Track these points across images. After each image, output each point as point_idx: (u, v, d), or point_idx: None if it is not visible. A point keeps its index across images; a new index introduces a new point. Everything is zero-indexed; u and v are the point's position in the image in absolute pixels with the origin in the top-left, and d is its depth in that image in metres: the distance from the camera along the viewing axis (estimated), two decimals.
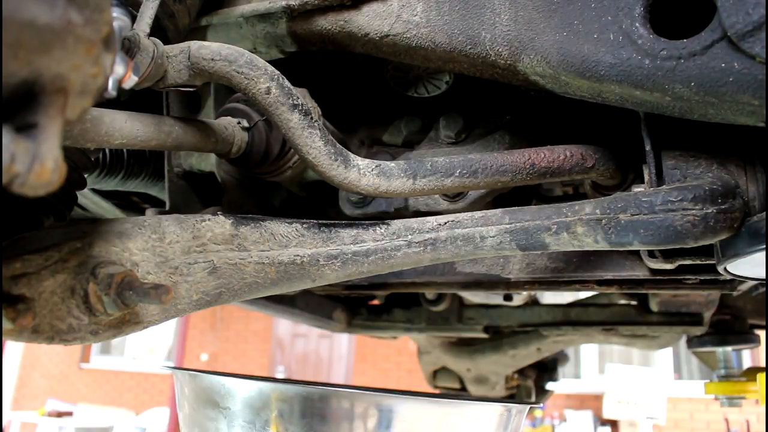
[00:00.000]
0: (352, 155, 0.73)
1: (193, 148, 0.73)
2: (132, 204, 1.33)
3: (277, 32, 0.83)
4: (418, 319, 1.80)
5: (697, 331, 1.62)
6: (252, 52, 0.71)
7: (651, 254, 0.81)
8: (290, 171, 0.87)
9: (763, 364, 2.19)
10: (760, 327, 1.92)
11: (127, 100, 0.71)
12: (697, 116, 0.64)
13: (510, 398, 2.36)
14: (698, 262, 0.77)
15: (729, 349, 1.88)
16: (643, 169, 0.76)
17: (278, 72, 0.69)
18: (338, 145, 0.72)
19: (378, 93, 1.04)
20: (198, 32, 0.85)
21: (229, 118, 0.83)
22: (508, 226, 0.73)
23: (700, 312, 1.50)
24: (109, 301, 0.56)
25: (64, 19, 0.31)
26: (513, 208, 0.75)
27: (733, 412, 6.22)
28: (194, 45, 0.66)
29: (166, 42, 0.68)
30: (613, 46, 0.63)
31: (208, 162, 1.00)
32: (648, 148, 0.73)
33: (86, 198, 1.23)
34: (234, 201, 0.98)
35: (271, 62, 0.74)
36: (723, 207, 0.64)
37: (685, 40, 0.59)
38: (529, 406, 0.92)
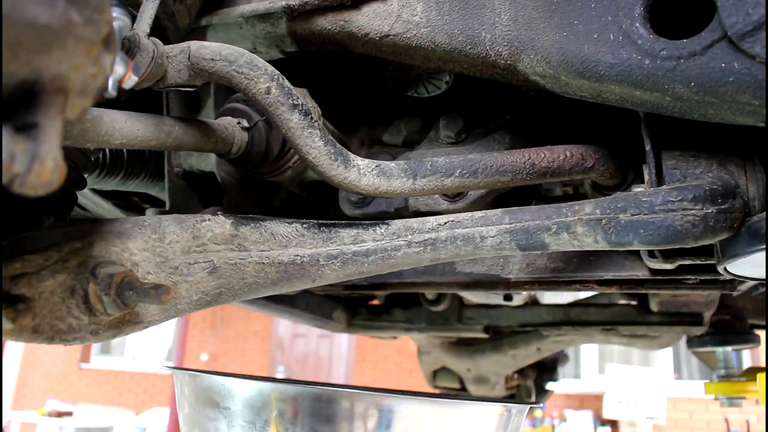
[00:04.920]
0: (352, 155, 0.73)
1: (193, 148, 0.73)
2: (132, 204, 1.33)
3: (277, 32, 0.83)
4: (418, 319, 1.80)
5: (697, 331, 1.62)
6: (252, 52, 0.71)
7: (651, 254, 0.81)
8: (290, 171, 0.87)
9: (763, 364, 2.19)
10: (760, 327, 1.92)
11: (127, 100, 0.71)
12: (697, 116, 0.64)
13: (510, 398, 2.36)
14: (698, 262, 0.77)
15: (729, 349, 1.88)
16: (643, 169, 0.76)
17: (278, 72, 0.69)
18: (338, 145, 0.72)
19: (378, 93, 1.04)
20: (198, 32, 0.85)
21: (229, 118, 0.83)
22: (508, 226, 0.73)
23: (700, 312, 1.50)
24: (109, 301, 0.56)
25: (64, 19, 0.31)
26: (513, 208, 0.75)
27: (733, 412, 6.22)
28: (194, 45, 0.66)
29: (166, 42, 0.68)
30: (613, 46, 0.63)
31: (208, 162, 1.00)
32: (648, 148, 0.73)
33: (86, 198, 1.23)
34: (234, 201, 0.98)
35: (271, 62, 0.74)
36: (723, 207, 0.64)
37: (685, 40, 0.59)
38: (529, 406, 0.92)
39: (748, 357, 6.01)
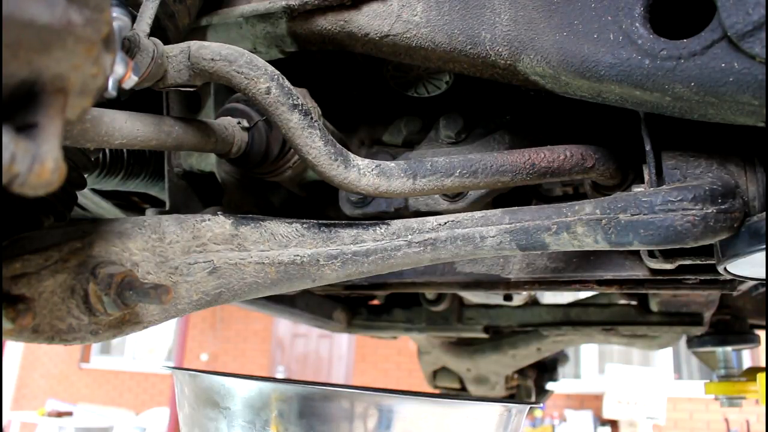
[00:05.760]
0: (352, 155, 0.73)
1: (193, 148, 0.73)
2: (132, 204, 1.33)
3: (277, 32, 0.83)
4: (418, 319, 1.80)
5: (697, 331, 1.62)
6: (252, 52, 0.71)
7: (651, 254, 0.81)
8: (290, 171, 0.87)
9: (763, 364, 2.19)
10: (760, 327, 1.92)
11: (127, 100, 0.71)
12: (697, 116, 0.64)
13: (510, 398, 2.36)
14: (698, 262, 0.77)
15: (729, 349, 1.88)
16: (643, 169, 0.76)
17: (278, 72, 0.69)
18: (338, 145, 0.72)
19: (378, 93, 1.04)
20: (198, 32, 0.85)
21: (229, 118, 0.83)
22: (508, 226, 0.73)
23: (700, 312, 1.50)
24: (109, 301, 0.56)
25: (64, 19, 0.31)
26: (513, 208, 0.75)
27: (733, 412, 6.22)
28: (194, 45, 0.66)
29: (166, 42, 0.68)
30: (613, 46, 0.63)
31: (208, 162, 1.00)
32: (648, 148, 0.73)
33: (86, 198, 1.23)
34: (234, 201, 0.98)
35: (271, 62, 0.74)
36: (723, 207, 0.64)
37: (685, 40, 0.59)
38: (529, 406, 0.92)
39: (748, 357, 6.01)
